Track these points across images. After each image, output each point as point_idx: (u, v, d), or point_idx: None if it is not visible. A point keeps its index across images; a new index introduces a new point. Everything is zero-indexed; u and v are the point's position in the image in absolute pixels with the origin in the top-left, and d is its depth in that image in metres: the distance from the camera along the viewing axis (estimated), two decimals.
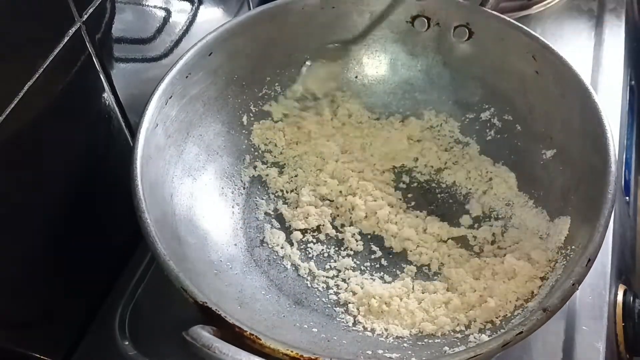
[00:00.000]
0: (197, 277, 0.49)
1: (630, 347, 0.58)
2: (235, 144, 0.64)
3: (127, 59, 0.57)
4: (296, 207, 0.62)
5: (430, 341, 0.50)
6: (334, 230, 0.61)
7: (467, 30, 0.64)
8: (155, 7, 0.59)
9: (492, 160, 0.64)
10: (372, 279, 0.56)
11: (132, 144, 0.51)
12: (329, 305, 0.55)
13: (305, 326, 0.52)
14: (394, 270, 0.57)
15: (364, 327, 0.53)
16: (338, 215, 0.62)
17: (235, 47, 0.62)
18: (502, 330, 0.47)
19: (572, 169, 0.56)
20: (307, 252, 0.59)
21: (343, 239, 0.60)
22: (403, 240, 0.59)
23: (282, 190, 0.63)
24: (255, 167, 0.64)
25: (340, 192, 0.63)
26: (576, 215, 0.52)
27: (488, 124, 0.65)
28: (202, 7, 0.67)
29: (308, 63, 0.67)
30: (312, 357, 0.40)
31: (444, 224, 0.60)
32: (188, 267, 0.49)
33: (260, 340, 0.41)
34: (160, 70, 0.57)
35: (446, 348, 0.47)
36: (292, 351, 0.41)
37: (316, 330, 0.52)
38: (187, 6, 0.65)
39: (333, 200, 0.63)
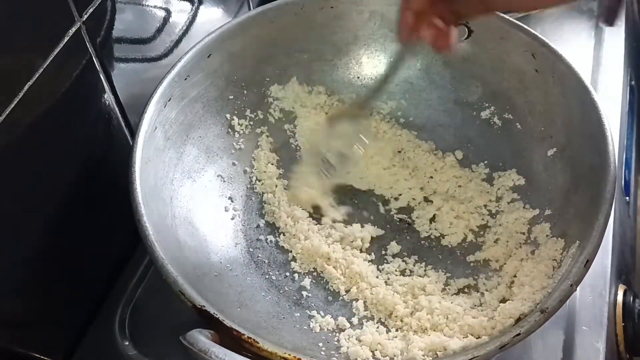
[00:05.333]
0: (196, 279, 0.49)
1: (630, 347, 0.58)
2: (235, 145, 0.64)
3: (127, 59, 0.57)
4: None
5: None
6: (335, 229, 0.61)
7: (466, 29, 0.64)
8: (155, 7, 0.59)
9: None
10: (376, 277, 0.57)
11: (131, 145, 0.51)
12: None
13: (305, 327, 0.52)
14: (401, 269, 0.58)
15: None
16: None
17: (234, 48, 0.62)
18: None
19: (572, 168, 0.56)
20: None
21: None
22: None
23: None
24: (255, 168, 0.64)
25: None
26: (575, 214, 0.52)
27: (488, 123, 0.65)
28: (202, 8, 0.67)
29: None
30: None
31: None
32: (187, 269, 0.49)
33: (258, 343, 0.41)
34: (160, 70, 0.57)
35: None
36: (289, 354, 0.41)
37: (317, 331, 0.52)
38: (187, 6, 0.65)
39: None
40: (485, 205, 0.61)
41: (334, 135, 0.63)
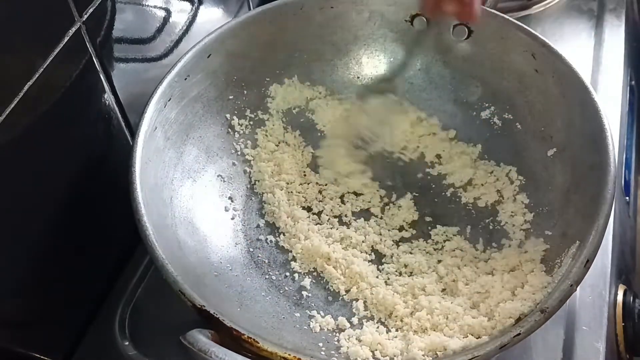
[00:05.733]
0: (196, 279, 0.49)
1: (630, 347, 0.58)
2: (235, 145, 0.64)
3: (127, 59, 0.57)
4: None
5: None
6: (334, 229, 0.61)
7: (466, 29, 0.64)
8: (155, 7, 0.59)
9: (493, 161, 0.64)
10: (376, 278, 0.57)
11: (131, 145, 0.51)
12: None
13: (305, 327, 0.52)
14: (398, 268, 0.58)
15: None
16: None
17: (234, 48, 0.62)
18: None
19: (572, 168, 0.56)
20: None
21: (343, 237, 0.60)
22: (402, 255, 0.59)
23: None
24: (255, 168, 0.64)
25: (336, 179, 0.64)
26: (575, 214, 0.52)
27: (488, 123, 0.65)
28: (202, 8, 0.67)
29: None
30: None
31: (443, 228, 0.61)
32: (187, 269, 0.49)
33: (258, 343, 0.41)
34: (160, 70, 0.57)
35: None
36: (289, 354, 0.41)
37: (317, 331, 0.52)
38: (187, 6, 0.65)
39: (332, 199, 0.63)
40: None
41: (364, 112, 0.65)
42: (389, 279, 0.56)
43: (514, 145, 0.63)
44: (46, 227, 0.51)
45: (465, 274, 0.55)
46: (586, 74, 0.68)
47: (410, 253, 0.59)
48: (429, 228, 0.61)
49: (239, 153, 0.64)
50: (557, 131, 0.58)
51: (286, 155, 0.65)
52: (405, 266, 0.57)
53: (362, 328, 0.52)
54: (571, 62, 0.57)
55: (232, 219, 0.60)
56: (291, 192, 0.63)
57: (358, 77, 0.70)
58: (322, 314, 0.54)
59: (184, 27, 0.64)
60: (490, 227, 0.60)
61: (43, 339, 0.54)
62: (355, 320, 0.53)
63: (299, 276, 0.57)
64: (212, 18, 0.70)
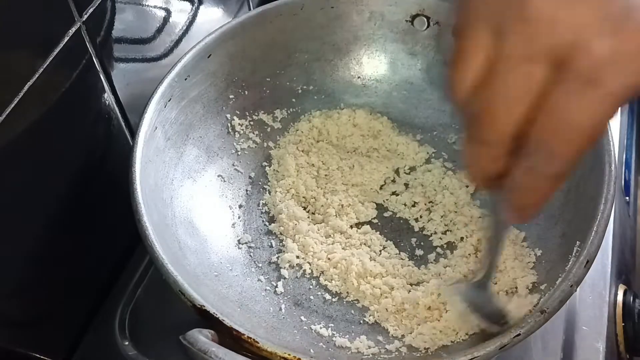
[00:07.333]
0: (196, 280, 0.49)
1: (630, 347, 0.58)
2: (236, 145, 0.64)
3: (127, 59, 0.57)
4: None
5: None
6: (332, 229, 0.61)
7: None
8: (155, 7, 0.59)
9: None
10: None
11: (131, 145, 0.51)
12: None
13: (305, 328, 0.52)
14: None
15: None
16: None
17: (234, 49, 0.62)
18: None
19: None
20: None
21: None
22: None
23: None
24: (255, 168, 0.64)
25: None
26: (575, 214, 0.52)
27: None
28: (202, 8, 0.67)
29: None
30: None
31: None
32: (187, 269, 0.49)
33: (258, 343, 0.41)
34: (161, 70, 0.57)
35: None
36: (289, 354, 0.41)
37: (317, 332, 0.52)
38: (187, 6, 0.65)
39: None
40: None
41: None
42: (388, 279, 0.56)
43: None
44: (46, 227, 0.51)
45: (465, 274, 0.55)
46: None
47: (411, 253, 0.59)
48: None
49: (239, 153, 0.64)
50: None
51: (287, 156, 0.65)
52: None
53: (362, 328, 0.52)
54: None
55: (233, 219, 0.60)
56: (291, 192, 0.63)
57: (358, 77, 0.70)
58: (322, 314, 0.54)
59: (184, 27, 0.64)
60: None
61: (43, 339, 0.54)
62: (355, 320, 0.53)
63: (299, 276, 0.57)
64: (212, 18, 0.70)
